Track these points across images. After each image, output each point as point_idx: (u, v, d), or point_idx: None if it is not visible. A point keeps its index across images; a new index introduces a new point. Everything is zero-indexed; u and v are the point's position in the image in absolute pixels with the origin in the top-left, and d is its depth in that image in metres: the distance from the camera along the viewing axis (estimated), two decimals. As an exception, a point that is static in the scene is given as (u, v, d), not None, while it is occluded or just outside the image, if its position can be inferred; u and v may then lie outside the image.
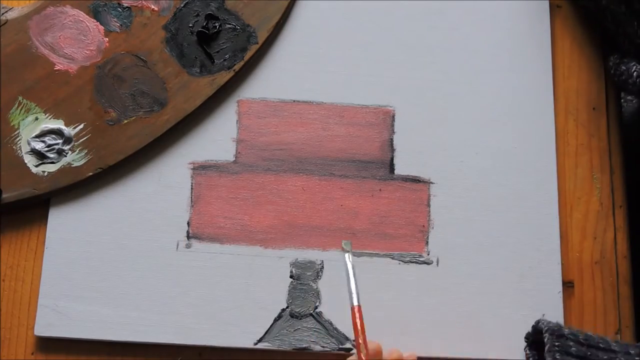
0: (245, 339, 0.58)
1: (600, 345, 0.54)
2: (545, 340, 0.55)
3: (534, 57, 0.66)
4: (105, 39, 0.64)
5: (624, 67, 0.62)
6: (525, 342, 0.58)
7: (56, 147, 0.61)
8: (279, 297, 0.59)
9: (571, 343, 0.54)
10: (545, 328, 0.55)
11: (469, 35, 0.66)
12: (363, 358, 0.51)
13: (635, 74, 0.60)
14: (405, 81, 0.65)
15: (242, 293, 0.59)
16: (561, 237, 0.62)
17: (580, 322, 0.60)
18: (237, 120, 0.64)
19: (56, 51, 0.63)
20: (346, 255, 0.55)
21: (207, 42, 0.64)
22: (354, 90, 0.64)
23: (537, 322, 0.57)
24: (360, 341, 0.51)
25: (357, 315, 0.52)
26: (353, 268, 0.54)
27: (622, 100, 0.66)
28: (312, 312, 0.59)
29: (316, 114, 0.64)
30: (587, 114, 0.65)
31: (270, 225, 0.61)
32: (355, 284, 0.53)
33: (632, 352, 0.54)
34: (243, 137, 0.63)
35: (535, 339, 0.57)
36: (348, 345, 0.58)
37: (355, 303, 0.53)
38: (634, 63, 0.61)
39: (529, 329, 0.57)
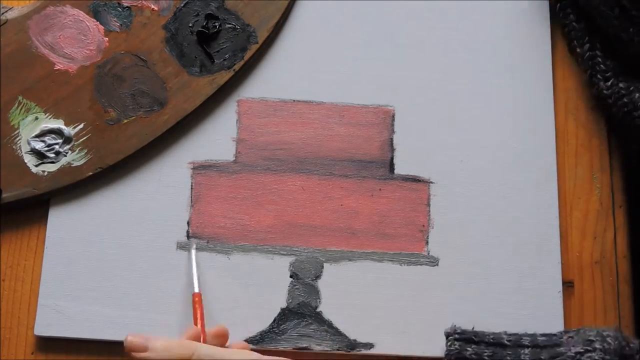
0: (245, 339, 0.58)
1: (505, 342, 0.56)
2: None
3: (534, 57, 0.66)
4: (105, 38, 0.64)
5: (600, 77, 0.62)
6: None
7: (56, 146, 0.61)
8: (279, 297, 0.59)
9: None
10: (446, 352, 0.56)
11: (469, 35, 0.66)
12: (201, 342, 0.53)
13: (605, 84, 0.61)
14: (405, 81, 0.65)
15: (242, 293, 0.59)
16: (561, 236, 0.62)
17: (580, 322, 0.60)
18: (237, 120, 0.64)
19: (56, 51, 0.63)
20: (192, 250, 0.60)
21: (207, 42, 0.64)
22: (354, 90, 0.64)
23: (447, 334, 0.57)
24: (199, 325, 0.55)
25: (196, 301, 0.56)
26: (196, 259, 0.59)
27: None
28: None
29: (316, 114, 0.64)
30: (587, 114, 0.65)
31: (270, 225, 0.61)
32: (197, 272, 0.58)
33: (541, 342, 0.55)
34: (243, 137, 0.63)
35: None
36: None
37: (197, 290, 0.57)
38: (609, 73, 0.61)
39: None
